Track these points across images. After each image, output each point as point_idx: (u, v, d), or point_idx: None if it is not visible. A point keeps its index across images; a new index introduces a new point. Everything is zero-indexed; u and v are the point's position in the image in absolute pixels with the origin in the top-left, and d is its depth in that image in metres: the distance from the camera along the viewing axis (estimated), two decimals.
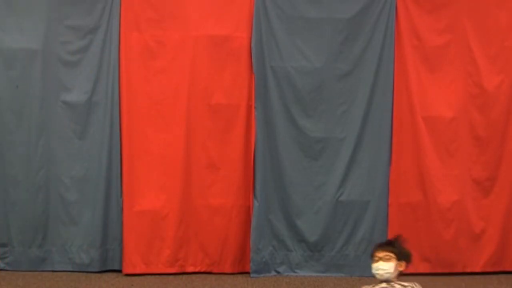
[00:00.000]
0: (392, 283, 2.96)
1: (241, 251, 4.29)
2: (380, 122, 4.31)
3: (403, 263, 3.03)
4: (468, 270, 4.33)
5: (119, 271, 4.21)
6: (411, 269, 4.32)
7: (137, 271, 4.17)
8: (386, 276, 2.98)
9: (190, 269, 4.26)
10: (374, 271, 3.00)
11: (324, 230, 4.30)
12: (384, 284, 2.98)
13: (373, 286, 3.01)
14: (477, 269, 4.34)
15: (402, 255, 3.03)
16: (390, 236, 4.28)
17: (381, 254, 3.00)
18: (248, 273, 4.22)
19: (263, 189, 4.23)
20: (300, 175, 4.29)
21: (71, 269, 4.20)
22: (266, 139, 4.27)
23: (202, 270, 4.27)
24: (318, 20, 4.27)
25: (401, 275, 4.38)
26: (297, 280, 4.10)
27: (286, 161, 4.28)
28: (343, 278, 4.22)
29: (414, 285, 2.95)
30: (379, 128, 4.31)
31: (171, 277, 4.15)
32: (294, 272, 4.26)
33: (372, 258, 3.05)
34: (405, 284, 2.95)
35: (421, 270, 4.31)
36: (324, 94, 4.29)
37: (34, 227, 4.20)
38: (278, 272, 4.27)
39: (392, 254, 2.99)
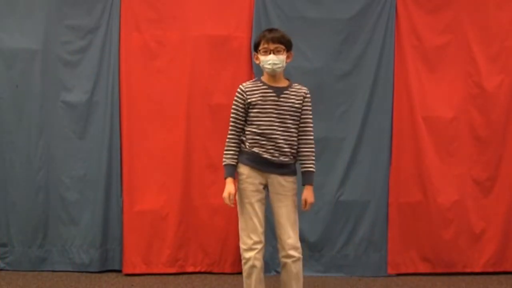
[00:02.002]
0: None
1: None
2: (380, 122, 4.31)
3: (291, 54, 3.00)
4: (468, 270, 4.33)
5: (119, 271, 4.22)
6: (411, 269, 4.38)
7: (137, 271, 4.17)
8: (279, 70, 2.93)
9: (190, 269, 4.26)
10: (263, 64, 2.93)
11: (324, 230, 4.30)
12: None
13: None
14: (477, 269, 4.34)
15: (290, 45, 2.99)
16: (390, 236, 4.30)
17: (271, 46, 2.91)
18: None
19: None
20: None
21: (71, 269, 4.20)
22: None
23: (202, 270, 4.27)
24: (318, 20, 4.27)
25: (401, 276, 4.40)
26: None
27: None
28: (343, 278, 4.22)
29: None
30: (379, 128, 4.31)
31: (171, 277, 4.15)
32: None
33: (257, 49, 2.97)
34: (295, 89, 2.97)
35: (421, 270, 4.31)
36: (324, 94, 4.29)
37: (34, 227, 4.20)
38: (278, 272, 4.25)
39: (282, 46, 2.93)
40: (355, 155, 4.31)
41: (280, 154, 2.92)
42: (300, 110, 2.96)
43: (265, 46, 2.92)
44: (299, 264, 2.96)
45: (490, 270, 4.34)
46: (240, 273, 4.26)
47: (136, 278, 4.10)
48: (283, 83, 2.99)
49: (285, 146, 2.93)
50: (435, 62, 4.32)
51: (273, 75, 2.95)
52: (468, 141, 4.35)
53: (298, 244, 2.95)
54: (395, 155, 4.30)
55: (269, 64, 2.90)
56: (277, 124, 2.92)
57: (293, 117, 2.94)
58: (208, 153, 4.26)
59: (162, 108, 4.21)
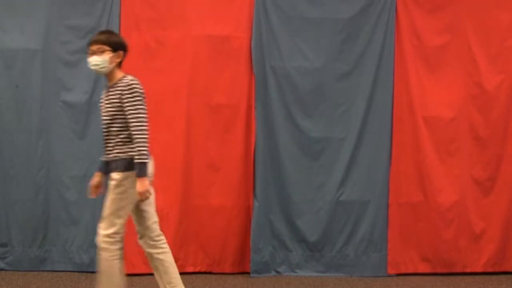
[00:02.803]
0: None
1: (241, 251, 4.29)
2: (380, 122, 4.31)
3: (121, 53, 2.98)
4: (468, 270, 4.34)
5: None
6: (411, 269, 4.38)
7: (137, 271, 4.17)
8: (103, 70, 2.94)
9: (190, 269, 4.26)
10: (89, 66, 2.97)
11: (324, 230, 4.30)
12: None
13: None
14: (477, 269, 4.34)
15: (117, 45, 2.98)
16: (390, 236, 4.30)
17: (94, 47, 2.94)
18: (248, 273, 4.22)
19: (263, 189, 4.23)
20: (300, 175, 4.29)
21: (71, 269, 4.20)
22: (266, 139, 4.27)
23: (202, 270, 4.27)
24: (318, 20, 4.27)
25: (401, 276, 4.40)
26: (297, 280, 4.10)
27: (286, 161, 4.28)
28: (343, 278, 4.23)
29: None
30: (379, 128, 4.31)
31: None
32: (294, 272, 4.27)
33: (87, 54, 2.99)
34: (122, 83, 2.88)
35: (421, 270, 4.32)
36: (324, 94, 4.29)
37: (34, 227, 4.21)
38: (278, 272, 4.27)
39: (105, 46, 2.93)
40: (355, 155, 4.31)
41: (110, 153, 2.95)
42: (120, 104, 2.88)
43: (89, 48, 2.95)
44: (102, 254, 2.95)
45: (490, 270, 4.35)
46: (240, 273, 4.29)
47: (136, 278, 4.10)
48: (113, 82, 2.97)
49: (113, 143, 2.93)
50: (435, 62, 4.32)
51: (104, 75, 2.99)
52: (468, 141, 4.35)
53: (103, 232, 2.93)
54: (395, 155, 4.31)
55: (91, 66, 2.94)
56: (107, 122, 2.94)
57: (118, 113, 2.89)
58: (208, 153, 4.26)
59: (162, 108, 4.21)
